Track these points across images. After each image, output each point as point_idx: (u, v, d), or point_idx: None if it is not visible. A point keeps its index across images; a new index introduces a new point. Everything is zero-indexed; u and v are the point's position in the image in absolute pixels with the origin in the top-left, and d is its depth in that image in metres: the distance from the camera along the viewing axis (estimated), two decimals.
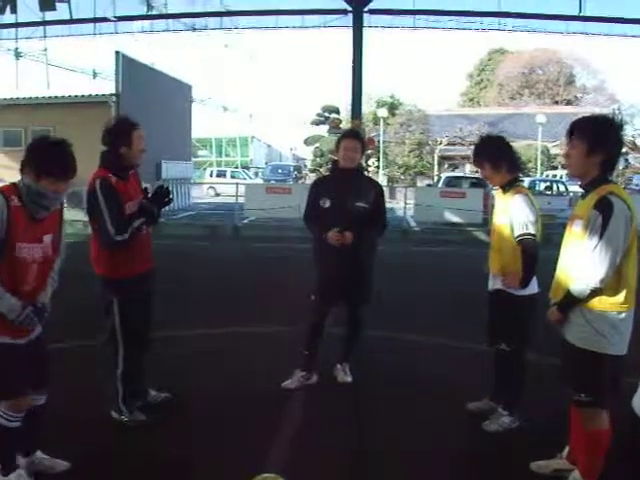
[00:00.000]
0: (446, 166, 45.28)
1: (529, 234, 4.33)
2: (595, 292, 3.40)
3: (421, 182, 39.47)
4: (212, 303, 8.21)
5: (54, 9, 21.05)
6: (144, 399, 4.88)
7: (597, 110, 44.71)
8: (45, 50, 32.66)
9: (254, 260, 12.84)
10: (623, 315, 3.42)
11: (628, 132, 47.11)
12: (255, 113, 67.66)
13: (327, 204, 5.29)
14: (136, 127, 4.53)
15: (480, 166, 4.71)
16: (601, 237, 3.34)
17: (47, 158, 3.42)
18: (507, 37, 61.31)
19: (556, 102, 56.39)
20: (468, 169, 39.47)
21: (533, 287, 4.45)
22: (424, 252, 14.53)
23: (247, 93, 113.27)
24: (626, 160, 43.43)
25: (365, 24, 20.57)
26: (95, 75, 22.79)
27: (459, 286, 9.05)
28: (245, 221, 19.70)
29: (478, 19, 21.62)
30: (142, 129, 4.59)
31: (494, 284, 4.63)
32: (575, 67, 59.74)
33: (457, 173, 34.55)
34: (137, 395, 4.79)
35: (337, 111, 41.22)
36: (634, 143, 45.30)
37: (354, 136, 5.55)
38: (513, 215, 4.41)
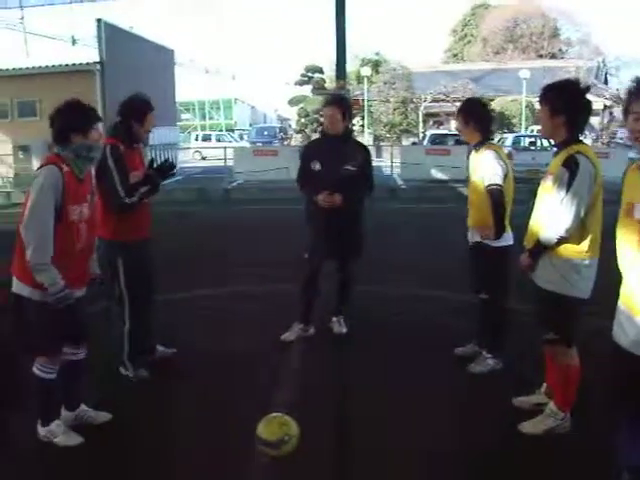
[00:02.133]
0: (431, 123, 45.30)
1: (495, 184, 4.65)
2: (561, 240, 3.74)
3: (406, 140, 39.62)
4: (209, 265, 8.53)
5: None
6: (153, 355, 5.23)
7: (581, 63, 44.91)
8: (22, 19, 32.32)
9: (247, 222, 13.13)
10: (587, 262, 3.77)
11: (613, 85, 47.41)
12: (238, 74, 67.11)
13: (317, 167, 5.59)
14: (152, 109, 4.86)
15: (458, 124, 5.08)
16: (567, 191, 3.67)
17: (84, 114, 3.84)
18: None
19: (540, 56, 56.27)
20: (453, 126, 39.57)
21: (508, 239, 4.79)
22: (411, 209, 14.88)
23: (229, 54, 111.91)
24: (610, 114, 43.74)
25: None
26: (74, 42, 22.59)
27: (444, 240, 9.41)
28: (234, 184, 19.94)
29: None
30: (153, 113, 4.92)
31: (473, 237, 4.99)
32: (559, 20, 59.52)
33: (441, 130, 34.68)
34: (145, 352, 5.14)
35: (321, 71, 41.32)
36: (618, 96, 45.47)
37: (336, 103, 5.69)
38: (483, 169, 4.75)
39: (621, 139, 35.81)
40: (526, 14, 58.41)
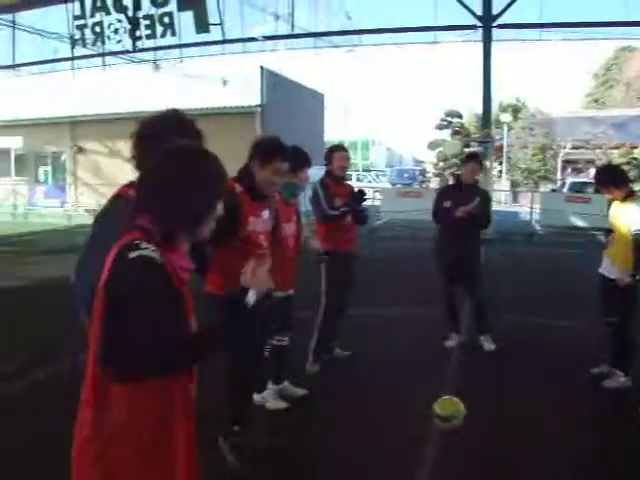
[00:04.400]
0: (569, 170, 44.89)
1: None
2: None
3: (544, 186, 39.66)
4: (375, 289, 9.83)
5: (208, 32, 23.56)
6: (331, 354, 6.67)
7: None
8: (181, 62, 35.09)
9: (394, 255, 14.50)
10: None
11: None
12: (376, 117, 69.14)
13: (448, 204, 7.09)
14: (339, 149, 6.65)
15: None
16: None
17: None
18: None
19: None
20: (592, 173, 39.15)
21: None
22: (548, 253, 15.76)
23: (368, 98, 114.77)
24: None
25: (494, 38, 21.58)
26: (225, 83, 24.98)
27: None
28: (379, 222, 21.35)
29: (606, 29, 22.05)
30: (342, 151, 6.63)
31: (610, 272, 5.98)
32: None
33: (581, 178, 34.53)
34: (325, 350, 6.57)
35: (459, 115, 42.24)
36: None
37: (478, 158, 7.53)
38: (629, 217, 5.77)
39: None
40: None
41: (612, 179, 6.03)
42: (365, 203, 6.62)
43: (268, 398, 5.37)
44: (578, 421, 5.14)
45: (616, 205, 6.06)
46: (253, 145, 4.37)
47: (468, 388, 5.32)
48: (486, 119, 21.47)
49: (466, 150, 34.38)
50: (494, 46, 21.73)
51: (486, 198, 7.43)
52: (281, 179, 4.45)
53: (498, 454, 4.58)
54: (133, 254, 2.02)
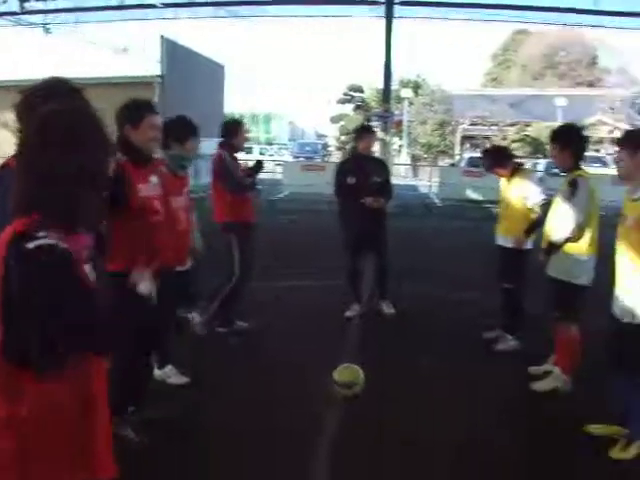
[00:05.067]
0: (468, 145, 46.21)
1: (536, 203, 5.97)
2: (568, 240, 5.04)
3: (442, 161, 40.73)
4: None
5: None
6: (231, 327, 6.63)
7: (619, 92, 45.51)
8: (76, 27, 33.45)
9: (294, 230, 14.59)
10: (585, 257, 5.06)
11: None
12: (279, 91, 68.80)
13: (352, 181, 7.18)
14: (242, 125, 6.67)
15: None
16: (571, 203, 5.02)
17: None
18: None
19: (578, 83, 56.91)
20: None
21: (528, 244, 6.14)
22: (444, 226, 16.17)
23: (273, 72, 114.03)
24: None
25: (396, 15, 21.72)
26: (124, 51, 24.28)
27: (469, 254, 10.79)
28: (280, 195, 21.39)
29: (505, 11, 22.64)
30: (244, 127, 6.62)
31: (505, 242, 6.27)
32: (598, 49, 60.07)
33: (479, 154, 35.36)
34: (227, 323, 6.60)
35: (361, 90, 42.60)
36: None
37: (373, 132, 7.71)
38: (523, 193, 6.07)
39: None
40: (566, 42, 58.99)
41: (494, 161, 6.37)
42: (264, 175, 6.68)
43: (170, 373, 5.29)
44: (470, 384, 5.39)
45: (505, 181, 6.35)
46: (118, 112, 4.13)
47: (368, 357, 5.50)
48: (386, 94, 21.71)
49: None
50: (397, 23, 21.92)
51: (386, 169, 7.66)
52: (159, 133, 4.26)
53: (395, 423, 4.63)
54: (31, 244, 1.89)
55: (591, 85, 56.03)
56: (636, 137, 4.11)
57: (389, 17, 21.49)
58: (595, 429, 4.45)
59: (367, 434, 4.41)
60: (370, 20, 22.87)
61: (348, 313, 7.34)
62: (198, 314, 6.22)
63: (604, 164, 28.34)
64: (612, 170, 25.57)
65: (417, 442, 4.34)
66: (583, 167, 5.26)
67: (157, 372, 5.18)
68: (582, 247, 5.07)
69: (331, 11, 24.52)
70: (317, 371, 5.11)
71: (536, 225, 5.94)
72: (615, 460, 4.13)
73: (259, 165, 6.66)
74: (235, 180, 6.30)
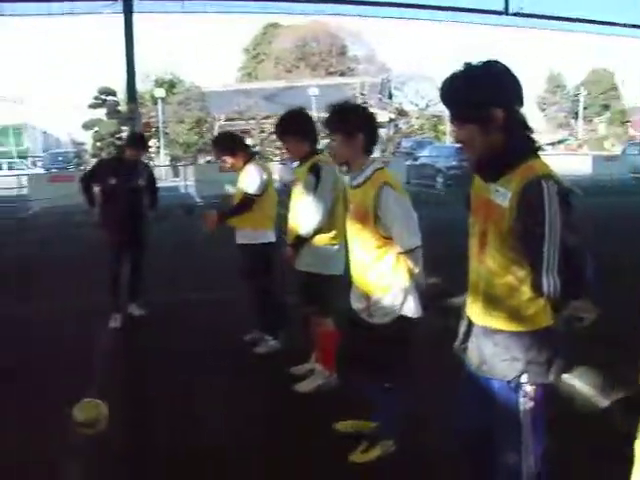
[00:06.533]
0: None
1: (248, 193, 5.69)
2: (315, 232, 4.71)
3: (203, 158, 40.43)
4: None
5: None
6: None
7: (368, 79, 47.94)
8: None
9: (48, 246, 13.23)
10: (336, 247, 4.78)
11: (399, 99, 51.02)
12: (27, 99, 64.45)
13: (114, 181, 6.71)
14: None
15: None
16: (315, 193, 4.66)
17: None
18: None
19: (330, 73, 59.25)
20: (250, 143, 40.64)
21: (271, 237, 5.82)
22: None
23: (17, 79, 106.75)
24: (396, 126, 47.16)
25: (135, 10, 20.93)
26: None
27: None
28: (30, 212, 19.59)
29: (244, 3, 22.67)
30: None
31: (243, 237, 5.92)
32: (347, 39, 62.96)
33: None
34: None
35: (114, 93, 40.85)
36: (402, 109, 49.09)
37: (139, 143, 7.06)
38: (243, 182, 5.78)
39: (405, 148, 38.64)
40: (316, 33, 61.19)
41: (224, 148, 5.95)
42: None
43: None
44: (236, 390, 5.10)
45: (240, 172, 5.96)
46: None
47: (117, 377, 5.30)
48: (131, 94, 20.78)
49: (123, 128, 33.51)
50: (142, 19, 21.16)
51: (150, 172, 7.41)
52: None
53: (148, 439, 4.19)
54: None
55: (342, 74, 58.64)
56: (350, 120, 3.68)
57: (128, 12, 20.57)
58: (343, 426, 4.23)
59: None
60: (109, 17, 21.80)
61: (112, 323, 6.86)
62: None
63: None
64: None
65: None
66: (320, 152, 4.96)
67: None
68: (330, 236, 4.77)
69: (66, 8, 22.71)
70: None
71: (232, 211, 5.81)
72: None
73: None
74: None
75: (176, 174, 28.64)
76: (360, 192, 3.62)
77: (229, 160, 5.87)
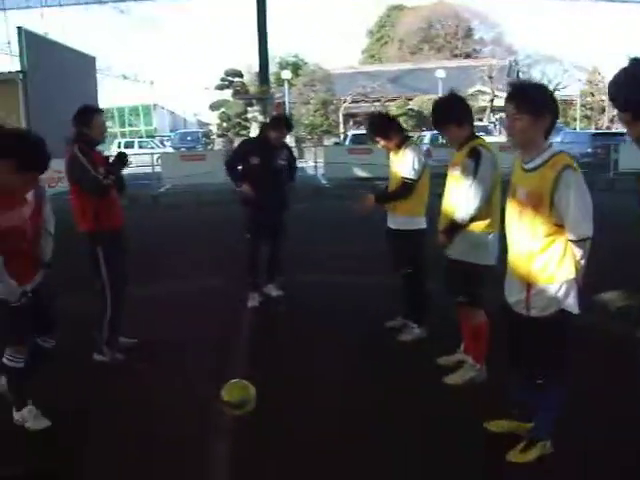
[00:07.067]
0: (351, 123, 46.26)
1: (408, 178, 5.47)
2: (471, 219, 4.47)
3: (328, 140, 40.45)
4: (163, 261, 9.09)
5: None
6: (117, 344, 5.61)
7: (494, 62, 46.68)
8: None
9: (182, 224, 13.59)
10: (491, 235, 4.51)
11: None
12: (157, 80, 66.87)
13: (255, 161, 6.69)
14: (98, 112, 5.46)
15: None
16: (474, 177, 4.41)
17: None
18: None
19: (455, 55, 58.13)
20: None
21: (422, 223, 5.61)
22: (334, 206, 15.55)
23: (147, 61, 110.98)
24: None
25: None
26: None
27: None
28: (162, 189, 20.24)
29: None
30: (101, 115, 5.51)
31: (395, 224, 5.74)
32: (473, 20, 61.60)
33: (362, 131, 35.54)
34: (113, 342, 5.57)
35: (240, 75, 41.60)
36: None
37: (287, 127, 6.97)
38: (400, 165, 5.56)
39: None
40: (440, 15, 60.19)
41: (378, 129, 5.77)
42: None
43: (28, 417, 4.30)
44: (375, 376, 4.97)
45: (392, 154, 5.77)
46: None
47: (261, 356, 5.28)
48: (263, 75, 20.96)
49: (249, 109, 34.06)
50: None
51: (290, 150, 7.35)
52: None
53: (298, 421, 4.21)
54: None
55: (468, 56, 57.36)
56: (539, 99, 3.37)
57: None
58: (496, 426, 3.97)
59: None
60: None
61: (250, 303, 6.89)
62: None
63: (488, 132, 28.65)
64: (496, 138, 26.11)
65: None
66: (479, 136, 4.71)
67: (15, 415, 4.29)
68: (486, 224, 4.51)
69: None
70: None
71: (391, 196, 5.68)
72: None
73: (121, 159, 5.52)
74: (91, 178, 5.19)
75: (301, 155, 28.76)
76: (536, 175, 3.35)
77: (382, 142, 5.70)
